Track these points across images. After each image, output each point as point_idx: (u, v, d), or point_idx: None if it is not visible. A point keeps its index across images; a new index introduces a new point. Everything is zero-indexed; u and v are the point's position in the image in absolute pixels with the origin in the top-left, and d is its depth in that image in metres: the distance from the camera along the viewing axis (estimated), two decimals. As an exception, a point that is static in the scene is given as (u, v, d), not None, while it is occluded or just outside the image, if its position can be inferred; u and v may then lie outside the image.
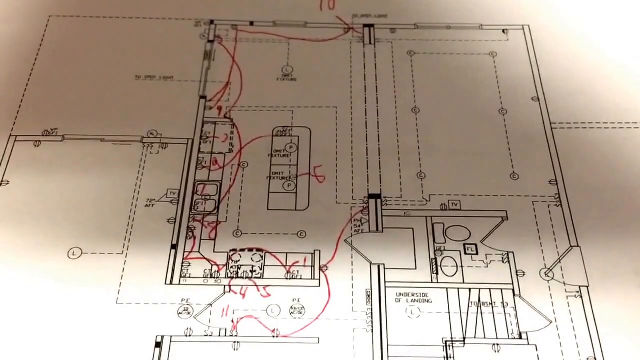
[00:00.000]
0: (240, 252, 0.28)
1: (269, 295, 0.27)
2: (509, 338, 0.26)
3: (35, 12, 0.36)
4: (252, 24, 0.36)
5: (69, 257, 0.28)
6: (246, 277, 0.27)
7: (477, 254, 0.28)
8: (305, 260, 0.28)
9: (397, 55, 0.35)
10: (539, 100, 0.33)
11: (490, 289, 0.27)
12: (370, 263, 0.28)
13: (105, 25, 0.36)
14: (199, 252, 0.28)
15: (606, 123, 0.32)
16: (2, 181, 0.30)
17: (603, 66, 0.34)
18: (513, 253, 0.28)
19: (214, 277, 0.27)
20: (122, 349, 0.26)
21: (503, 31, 0.36)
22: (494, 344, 0.26)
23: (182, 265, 0.28)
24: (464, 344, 0.26)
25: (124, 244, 0.28)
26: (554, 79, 0.34)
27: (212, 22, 0.36)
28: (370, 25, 0.36)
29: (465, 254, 0.28)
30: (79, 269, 0.27)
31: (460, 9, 0.37)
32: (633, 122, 0.32)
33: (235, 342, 0.26)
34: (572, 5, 0.37)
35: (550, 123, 0.32)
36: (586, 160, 0.31)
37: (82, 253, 0.28)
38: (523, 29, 0.36)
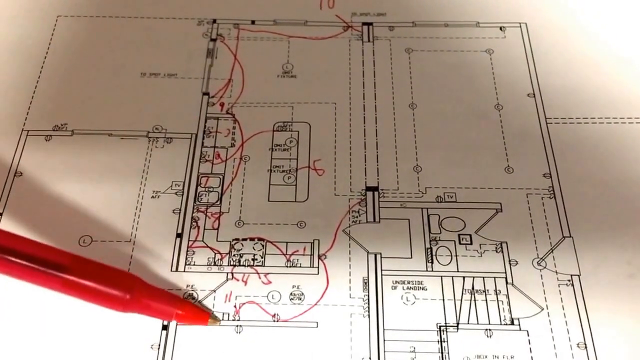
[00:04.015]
0: (242, 241, 0.29)
1: (269, 282, 0.28)
2: (501, 324, 0.27)
3: (44, 12, 0.37)
4: (253, 22, 0.36)
5: (80, 245, 0.28)
6: (248, 265, 0.28)
7: (471, 243, 0.29)
8: (304, 249, 0.29)
9: (395, 52, 0.35)
10: (534, 96, 0.34)
11: (483, 277, 0.28)
12: (367, 252, 0.29)
13: (111, 24, 0.36)
14: (202, 241, 0.29)
15: (601, 118, 0.33)
16: (15, 173, 0.31)
17: (598, 63, 0.35)
18: (506, 243, 0.29)
19: (217, 265, 0.28)
20: (131, 331, 0.26)
21: (500, 29, 0.36)
22: (486, 329, 0.27)
23: (186, 253, 0.28)
24: (457, 329, 0.27)
25: (132, 232, 0.29)
26: (549, 75, 0.34)
27: (214, 21, 0.36)
28: (369, 24, 0.36)
29: (460, 243, 0.29)
30: (90, 255, 0.27)
31: (457, 7, 0.37)
32: (627, 117, 0.33)
33: (237, 325, 0.27)
34: (568, 3, 0.37)
35: (545, 118, 0.33)
36: (580, 154, 0.31)
37: (92, 241, 0.29)
38: (520, 26, 0.36)
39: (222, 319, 0.27)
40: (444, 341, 0.26)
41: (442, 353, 0.26)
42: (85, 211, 0.29)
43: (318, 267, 0.28)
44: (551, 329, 0.27)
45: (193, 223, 0.29)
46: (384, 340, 0.26)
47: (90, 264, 0.26)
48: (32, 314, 0.27)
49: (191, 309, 0.26)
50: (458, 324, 0.27)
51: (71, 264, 0.26)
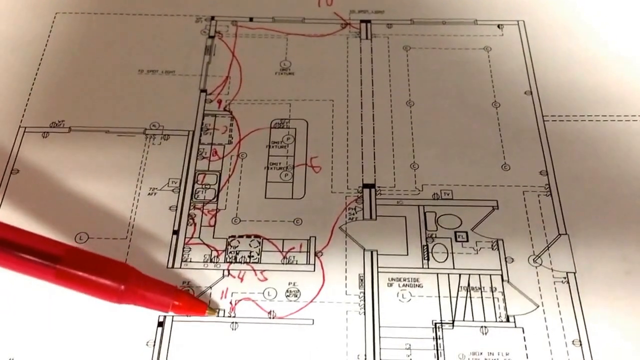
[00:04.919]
0: (239, 238, 0.29)
1: (265, 279, 0.28)
2: (496, 321, 0.27)
3: (42, 9, 0.37)
4: (251, 19, 0.36)
5: (76, 242, 0.28)
6: (244, 262, 0.28)
7: (467, 241, 0.29)
8: (300, 246, 0.29)
9: (393, 50, 0.35)
10: (531, 93, 0.34)
11: (479, 275, 0.28)
12: (364, 249, 0.29)
13: (109, 21, 0.36)
14: (199, 238, 0.29)
15: (597, 116, 0.33)
16: (12, 170, 0.31)
17: (595, 61, 0.35)
18: (502, 240, 0.29)
19: (214, 262, 0.28)
20: (126, 328, 0.26)
21: (498, 26, 0.36)
22: (481, 327, 0.27)
23: (183, 250, 0.29)
24: (453, 326, 0.27)
25: (128, 230, 0.29)
26: (547, 73, 0.34)
27: (212, 18, 0.36)
28: (367, 21, 0.37)
29: (456, 241, 0.29)
30: (86, 252, 0.28)
31: (455, 5, 0.37)
32: (624, 115, 0.33)
33: (233, 322, 0.27)
34: (566, 1, 0.37)
35: (543, 116, 0.33)
36: (576, 151, 0.31)
37: (88, 238, 0.29)
38: (518, 24, 0.36)
39: (218, 316, 0.27)
40: (440, 338, 0.26)
41: (437, 350, 0.26)
42: (82, 208, 0.30)
43: (314, 264, 0.28)
44: (546, 326, 0.27)
45: (189, 220, 0.29)
46: (380, 337, 0.26)
47: (83, 254, 0.26)
48: (26, 311, 0.27)
49: (188, 299, 0.26)
50: (453, 321, 0.27)
51: (64, 254, 0.26)
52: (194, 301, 0.26)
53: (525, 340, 0.26)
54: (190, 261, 0.28)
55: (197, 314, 0.26)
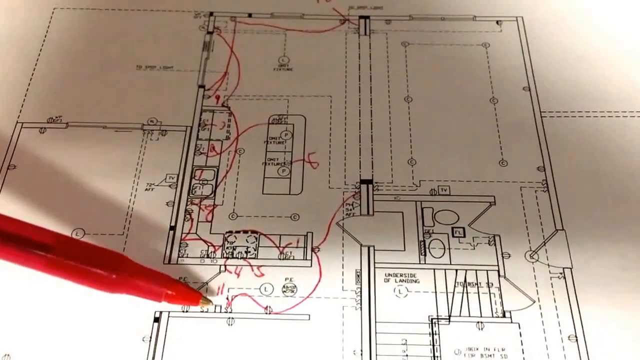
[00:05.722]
0: (236, 234, 0.29)
1: (262, 274, 0.28)
2: (492, 316, 0.27)
3: (41, 4, 0.37)
4: (250, 15, 0.36)
5: (73, 237, 0.28)
6: (241, 258, 0.28)
7: (464, 236, 0.29)
8: (297, 241, 0.29)
9: (391, 46, 0.35)
10: (529, 89, 0.34)
11: (476, 270, 0.28)
12: (361, 245, 0.29)
13: (107, 17, 0.36)
14: (196, 233, 0.29)
15: (595, 112, 0.33)
16: (9, 165, 0.31)
17: (593, 57, 0.35)
18: (499, 236, 0.29)
19: (210, 257, 0.28)
20: (123, 324, 0.27)
21: (497, 22, 0.36)
22: (478, 322, 0.27)
23: (180, 246, 0.29)
24: (449, 321, 0.27)
25: (125, 225, 0.29)
26: (545, 69, 0.34)
27: (211, 13, 0.36)
28: (365, 17, 0.37)
29: (453, 236, 0.29)
30: (83, 248, 0.28)
31: (454, 1, 0.37)
32: (622, 111, 0.33)
33: (229, 317, 0.27)
34: (564, -3, 0.37)
35: (540, 112, 0.33)
36: (574, 147, 0.32)
37: (85, 233, 0.29)
38: (516, 20, 0.36)
39: (215, 312, 0.27)
40: (436, 334, 0.26)
41: (433, 345, 0.26)
42: (79, 203, 0.30)
43: (311, 260, 0.28)
44: (542, 322, 0.27)
45: (187, 215, 0.29)
46: (376, 332, 0.27)
47: (75, 243, 0.26)
48: (22, 306, 0.27)
49: (182, 289, 0.26)
50: (450, 316, 0.27)
51: (56, 243, 0.25)
52: (188, 290, 0.26)
53: (521, 336, 0.26)
54: (187, 257, 0.28)
55: (191, 303, 0.26)
